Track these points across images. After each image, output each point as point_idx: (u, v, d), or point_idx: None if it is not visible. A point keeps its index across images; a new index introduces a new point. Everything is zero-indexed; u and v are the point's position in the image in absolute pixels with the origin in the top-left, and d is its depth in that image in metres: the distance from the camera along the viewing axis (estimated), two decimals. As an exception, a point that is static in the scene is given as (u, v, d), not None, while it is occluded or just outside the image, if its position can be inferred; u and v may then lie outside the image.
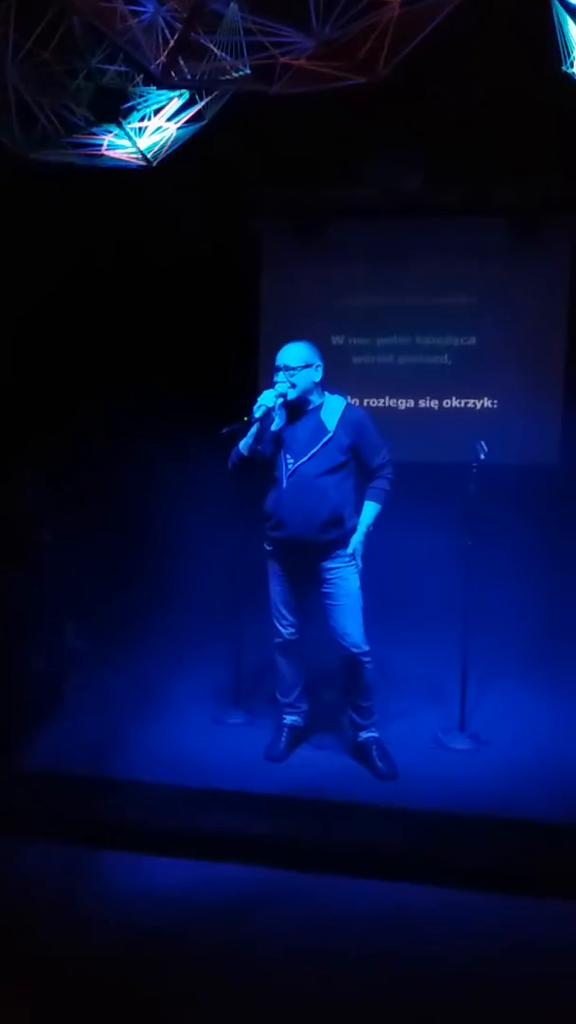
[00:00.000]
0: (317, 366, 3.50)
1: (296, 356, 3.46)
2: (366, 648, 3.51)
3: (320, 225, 5.96)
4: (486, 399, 5.94)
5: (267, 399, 3.41)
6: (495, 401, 5.93)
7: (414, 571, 4.86)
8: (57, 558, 4.13)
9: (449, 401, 5.99)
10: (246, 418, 3.85)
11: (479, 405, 5.94)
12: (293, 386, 3.45)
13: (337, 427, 3.46)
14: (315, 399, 3.52)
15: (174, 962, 2.58)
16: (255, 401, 3.47)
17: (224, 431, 3.79)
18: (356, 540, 3.50)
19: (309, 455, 3.45)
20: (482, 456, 3.75)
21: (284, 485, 3.47)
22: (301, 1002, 2.45)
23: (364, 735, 3.62)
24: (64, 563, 4.15)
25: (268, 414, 3.42)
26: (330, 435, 3.46)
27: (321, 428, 3.47)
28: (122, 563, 5.14)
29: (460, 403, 5.98)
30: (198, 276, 5.74)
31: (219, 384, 5.46)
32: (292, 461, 3.46)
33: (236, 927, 2.75)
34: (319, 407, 3.51)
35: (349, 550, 3.49)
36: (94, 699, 4.22)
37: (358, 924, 2.77)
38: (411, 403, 6.03)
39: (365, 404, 5.95)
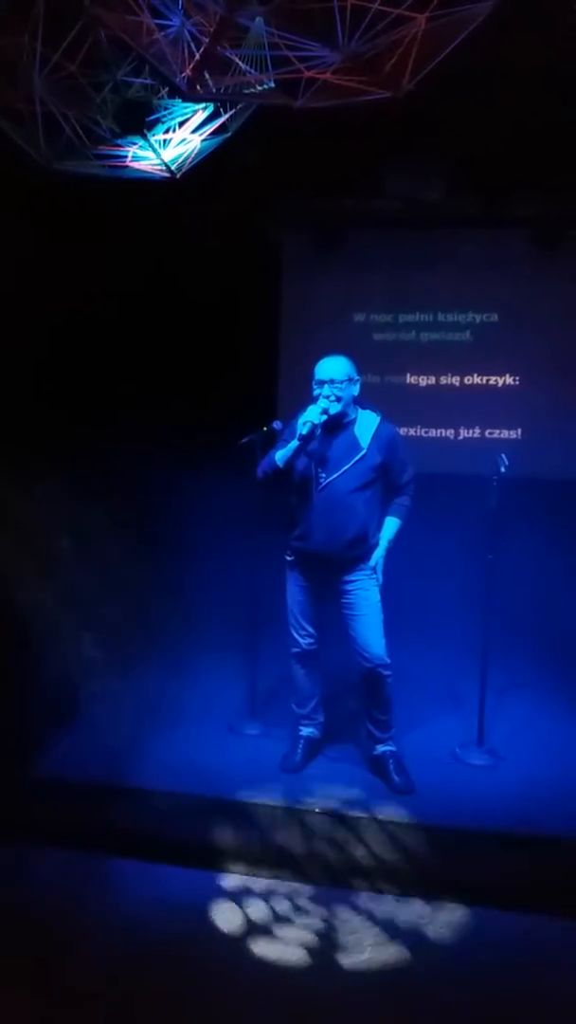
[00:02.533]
0: (356, 380, 3.50)
1: (340, 370, 3.43)
2: (387, 660, 3.50)
3: (341, 235, 5.97)
4: (508, 376, 5.91)
5: (313, 415, 3.36)
6: (516, 378, 5.89)
7: (434, 583, 4.84)
8: (75, 568, 4.15)
9: (471, 378, 5.96)
10: (265, 428, 3.87)
11: (501, 382, 5.92)
12: (338, 400, 3.42)
13: (370, 445, 3.45)
14: (350, 413, 3.51)
15: (184, 971, 2.58)
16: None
17: (243, 441, 3.80)
18: (378, 555, 3.51)
19: (341, 471, 3.43)
20: (503, 469, 3.73)
21: (314, 499, 3.46)
22: (311, 1016, 2.44)
23: (381, 748, 3.60)
24: (82, 573, 4.17)
25: (314, 431, 3.38)
26: (363, 452, 3.44)
27: (355, 445, 3.45)
28: (140, 573, 5.15)
29: (482, 380, 5.94)
30: (220, 286, 5.76)
31: (238, 395, 5.47)
32: (324, 476, 3.45)
33: (248, 938, 2.73)
34: (352, 422, 3.50)
35: (371, 564, 3.50)
36: (110, 708, 4.23)
37: (371, 939, 2.75)
38: (432, 380, 6.01)
39: (385, 381, 5.94)
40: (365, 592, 3.50)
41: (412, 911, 2.89)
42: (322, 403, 3.40)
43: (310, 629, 3.63)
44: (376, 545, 3.51)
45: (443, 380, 5.96)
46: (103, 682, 4.40)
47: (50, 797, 3.44)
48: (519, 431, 5.87)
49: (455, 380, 5.95)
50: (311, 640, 3.64)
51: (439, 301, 5.91)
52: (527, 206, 5.54)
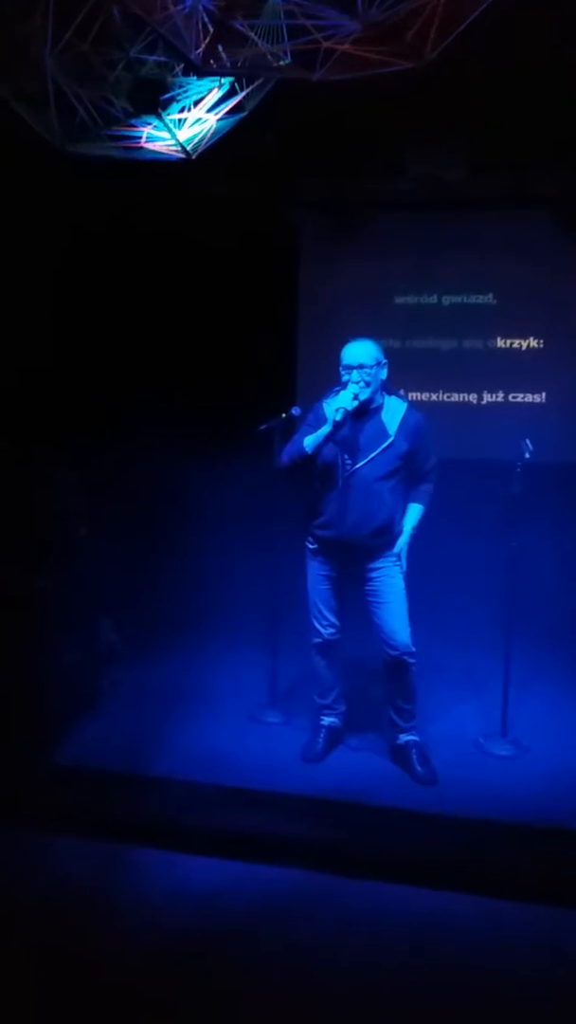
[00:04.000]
0: (384, 364, 3.44)
1: (369, 354, 3.37)
2: (413, 648, 3.45)
3: (361, 217, 5.87)
4: (532, 339, 5.81)
5: (345, 401, 3.30)
6: (541, 341, 5.79)
7: (456, 570, 4.77)
8: (94, 554, 4.13)
9: (494, 341, 5.86)
10: (284, 414, 3.81)
11: (524, 345, 5.81)
12: (367, 385, 3.36)
13: (398, 432, 3.39)
14: (377, 399, 3.44)
15: (204, 962, 2.56)
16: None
17: (262, 427, 3.75)
18: (402, 542, 3.47)
19: (369, 459, 3.38)
20: (527, 455, 3.65)
21: (340, 486, 3.40)
22: (332, 1007, 2.40)
23: (404, 738, 3.56)
24: (101, 559, 4.14)
25: (347, 417, 3.31)
26: (391, 440, 3.38)
27: (382, 432, 3.39)
28: (159, 559, 5.13)
29: (505, 343, 5.84)
30: (237, 270, 5.69)
31: (256, 380, 5.42)
32: (351, 463, 3.39)
33: (269, 929, 2.71)
34: (379, 408, 3.44)
35: (395, 551, 3.46)
36: (130, 695, 4.21)
37: (392, 930, 2.72)
38: (455, 343, 5.91)
39: (406, 346, 5.86)
40: (390, 579, 3.45)
41: (433, 903, 2.84)
42: (352, 388, 3.34)
43: (332, 619, 3.58)
44: (401, 532, 3.46)
45: (466, 343, 5.87)
46: (124, 670, 4.38)
47: (68, 785, 3.43)
48: (543, 395, 5.77)
49: (478, 343, 5.85)
50: (333, 630, 3.60)
51: (462, 281, 5.81)
52: (551, 185, 5.42)
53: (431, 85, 3.17)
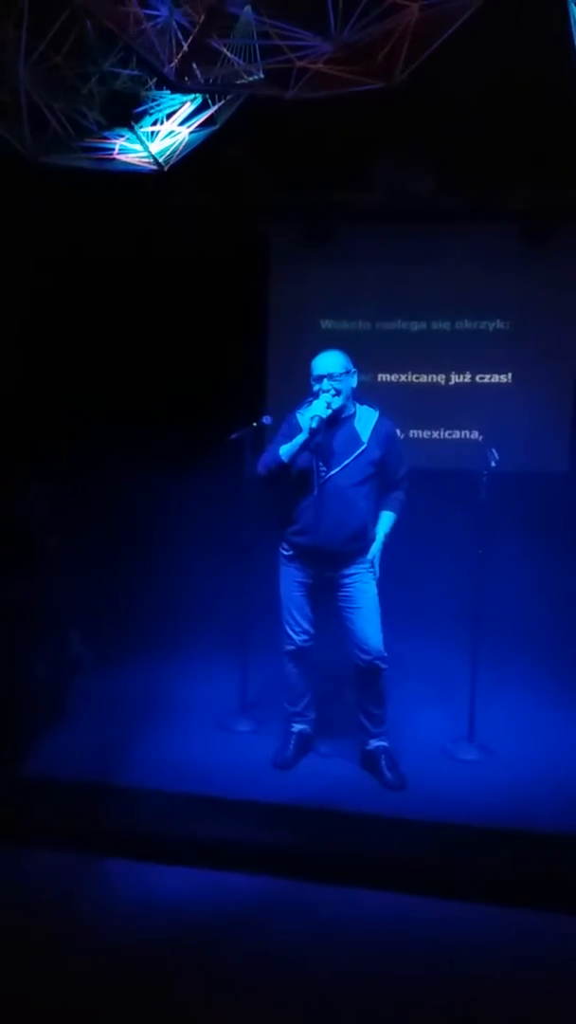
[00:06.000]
0: (354, 373, 3.50)
1: (338, 364, 3.44)
2: (385, 654, 3.50)
3: (330, 229, 5.93)
4: (498, 321, 5.93)
5: (319, 410, 3.36)
6: (507, 322, 5.91)
7: (424, 577, 4.82)
8: (63, 564, 4.11)
9: (461, 323, 5.96)
10: (255, 423, 3.84)
11: (491, 327, 5.93)
12: (338, 393, 3.42)
13: (370, 439, 3.46)
14: (349, 408, 3.50)
15: (177, 971, 2.55)
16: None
17: (233, 436, 3.77)
18: (375, 549, 3.52)
19: (342, 466, 3.43)
20: (493, 464, 3.72)
21: (315, 493, 3.44)
22: (305, 1013, 2.42)
23: (374, 743, 3.59)
24: (70, 569, 4.12)
25: (322, 425, 3.36)
26: (363, 447, 3.44)
27: (355, 439, 3.46)
28: (128, 569, 5.11)
29: (473, 325, 5.95)
30: (207, 281, 5.72)
31: (226, 390, 5.44)
32: (325, 470, 3.44)
33: (240, 936, 2.72)
34: (352, 416, 3.50)
35: (368, 558, 3.50)
36: (99, 705, 4.19)
37: (363, 936, 2.74)
38: (423, 325, 6.01)
39: (377, 328, 5.96)
40: (363, 585, 3.50)
41: (403, 908, 2.87)
42: (324, 397, 3.40)
43: (305, 625, 3.61)
44: (374, 539, 3.52)
45: (435, 325, 5.96)
46: (93, 681, 4.36)
47: (38, 796, 3.40)
48: (509, 375, 5.89)
49: (446, 325, 5.95)
50: (307, 637, 3.62)
51: (431, 292, 5.90)
52: (517, 199, 5.53)
53: (401, 101, 3.23)
